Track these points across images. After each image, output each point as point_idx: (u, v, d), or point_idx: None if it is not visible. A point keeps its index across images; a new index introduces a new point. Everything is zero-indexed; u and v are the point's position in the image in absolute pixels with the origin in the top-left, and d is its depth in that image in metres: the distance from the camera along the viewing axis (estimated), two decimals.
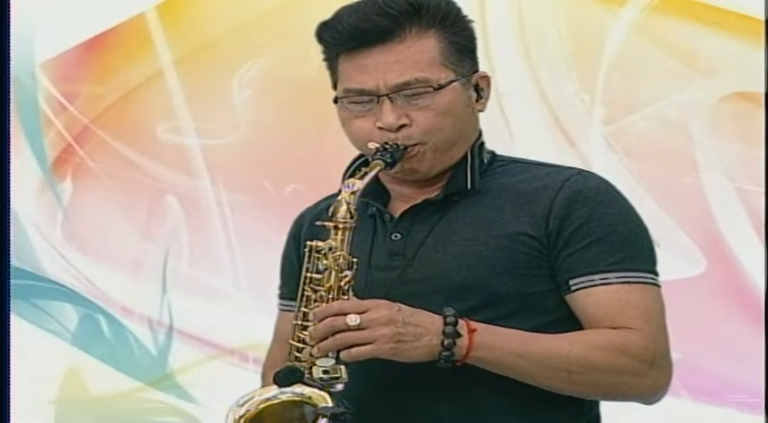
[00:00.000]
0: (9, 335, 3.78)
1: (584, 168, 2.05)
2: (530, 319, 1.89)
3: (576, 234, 1.90)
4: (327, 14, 2.01)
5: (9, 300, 3.79)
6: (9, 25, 3.76)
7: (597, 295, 1.89)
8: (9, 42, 3.76)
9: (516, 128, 3.16)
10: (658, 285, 1.94)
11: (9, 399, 3.76)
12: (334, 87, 2.01)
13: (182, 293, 3.76)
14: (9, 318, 3.79)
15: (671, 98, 3.41)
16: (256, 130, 3.70)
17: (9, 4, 3.76)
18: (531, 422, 1.92)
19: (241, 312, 3.68)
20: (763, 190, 3.33)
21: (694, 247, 3.36)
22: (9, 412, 3.75)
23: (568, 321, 1.91)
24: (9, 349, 3.78)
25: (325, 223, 1.87)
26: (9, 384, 3.77)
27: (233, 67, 3.71)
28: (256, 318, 3.59)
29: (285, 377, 1.83)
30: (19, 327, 3.81)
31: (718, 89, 3.39)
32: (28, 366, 3.79)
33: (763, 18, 3.32)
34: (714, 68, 3.40)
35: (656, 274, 1.94)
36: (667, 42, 3.41)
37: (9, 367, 3.77)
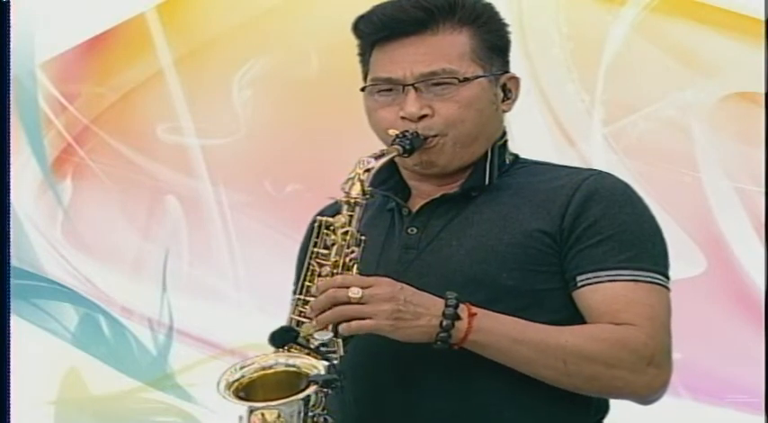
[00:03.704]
0: (9, 335, 3.79)
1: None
2: (538, 316, 1.89)
3: (587, 231, 1.91)
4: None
5: (9, 300, 3.79)
6: (9, 25, 3.76)
7: (603, 291, 1.90)
8: (9, 42, 3.77)
9: (516, 128, 3.14)
10: (667, 288, 1.94)
11: (9, 399, 3.76)
12: (365, 79, 2.03)
13: (182, 293, 3.76)
14: (9, 318, 3.79)
15: (671, 98, 3.41)
16: (256, 130, 3.70)
17: (9, 4, 3.77)
18: (536, 419, 1.93)
19: (241, 312, 3.68)
20: (763, 190, 3.33)
21: (694, 247, 3.36)
22: (9, 412, 3.75)
23: (576, 320, 1.91)
24: (9, 349, 3.78)
25: (338, 198, 1.88)
26: (9, 384, 3.77)
27: (233, 67, 3.71)
28: (256, 318, 3.60)
29: (280, 337, 1.84)
30: (19, 327, 3.81)
31: (718, 89, 3.39)
32: (28, 366, 3.79)
33: (763, 18, 3.32)
34: (714, 68, 3.40)
35: (666, 276, 1.94)
36: (667, 42, 3.41)
37: (9, 367, 3.77)
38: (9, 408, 3.75)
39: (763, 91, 3.33)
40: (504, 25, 2.04)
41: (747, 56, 3.34)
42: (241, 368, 1.82)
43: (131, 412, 3.80)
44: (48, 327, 3.84)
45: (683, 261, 3.30)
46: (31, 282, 3.84)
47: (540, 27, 3.47)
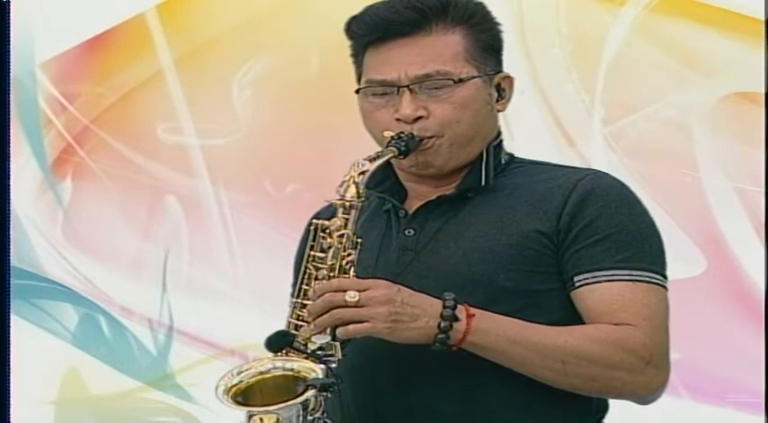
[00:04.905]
0: (9, 335, 3.79)
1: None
2: (536, 316, 1.89)
3: (584, 231, 1.91)
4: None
5: (9, 300, 3.79)
6: (9, 25, 3.76)
7: (600, 291, 1.90)
8: (9, 42, 3.77)
9: (516, 128, 3.16)
10: (665, 288, 1.94)
11: (9, 399, 3.76)
12: (359, 81, 2.03)
13: (182, 293, 3.76)
14: (9, 318, 3.79)
15: (671, 98, 3.41)
16: (256, 130, 3.70)
17: (9, 4, 3.77)
18: (536, 419, 1.93)
19: (241, 312, 3.68)
20: (763, 190, 3.33)
21: (694, 247, 3.36)
22: (9, 412, 3.75)
23: (575, 321, 1.91)
24: (9, 349, 3.78)
25: (333, 201, 1.88)
26: (9, 384, 3.77)
27: (233, 67, 3.71)
28: (256, 318, 3.59)
29: (277, 341, 1.84)
30: (19, 327, 3.81)
31: (718, 89, 3.39)
32: (28, 366, 3.79)
33: (763, 18, 3.32)
34: (714, 68, 3.40)
35: (663, 276, 1.94)
36: (667, 42, 3.41)
37: (9, 367, 3.77)
38: (9, 408, 3.75)
39: (763, 91, 3.33)
40: (497, 24, 2.03)
41: (747, 56, 3.34)
42: (239, 373, 1.82)
43: (131, 412, 3.80)
44: (48, 327, 3.84)
45: (683, 261, 3.30)
46: (31, 282, 3.84)
47: (540, 27, 3.47)
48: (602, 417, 2.00)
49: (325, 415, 1.82)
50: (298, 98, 3.65)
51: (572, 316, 1.91)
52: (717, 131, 3.39)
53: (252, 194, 3.71)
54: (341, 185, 1.88)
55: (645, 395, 1.91)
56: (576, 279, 1.91)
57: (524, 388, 1.88)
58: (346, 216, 1.87)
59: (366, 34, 1.99)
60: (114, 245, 3.81)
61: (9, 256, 3.81)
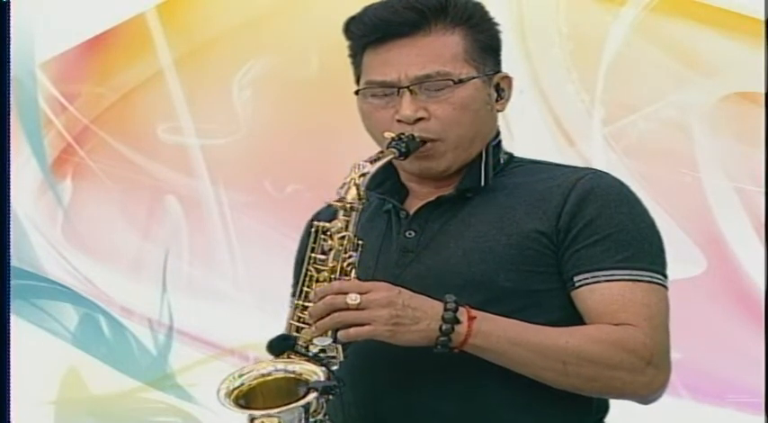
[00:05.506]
0: (9, 335, 3.79)
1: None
2: (536, 316, 1.89)
3: (584, 231, 1.91)
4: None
5: (9, 300, 3.79)
6: (9, 25, 3.77)
7: (601, 291, 1.90)
8: (9, 42, 3.77)
9: (516, 128, 3.16)
10: (665, 287, 1.93)
11: (9, 399, 3.76)
12: (357, 81, 2.03)
13: (182, 293, 3.76)
14: (9, 318, 3.79)
15: (671, 98, 3.41)
16: (256, 130, 3.71)
17: (9, 4, 3.77)
18: (536, 419, 1.93)
19: (241, 312, 3.68)
20: (763, 190, 3.34)
21: (694, 247, 3.36)
22: (9, 412, 3.75)
23: (575, 320, 1.91)
24: (9, 349, 3.78)
25: (334, 203, 1.88)
26: (9, 384, 3.77)
27: (233, 67, 3.71)
28: (256, 317, 3.60)
29: (278, 345, 1.84)
30: (19, 327, 3.81)
31: (718, 89, 3.39)
32: (28, 366, 3.79)
33: (763, 18, 3.32)
34: (714, 68, 3.40)
35: (663, 276, 1.94)
36: (667, 42, 3.41)
37: (9, 367, 3.77)
38: (9, 408, 3.76)
39: (763, 91, 3.33)
40: (495, 25, 2.03)
41: (747, 56, 3.34)
42: (240, 376, 1.82)
43: (131, 412, 3.80)
44: (48, 327, 3.84)
45: (683, 261, 3.31)
46: (31, 282, 3.85)
47: (540, 27, 3.47)
48: (603, 417, 2.00)
49: (326, 417, 1.82)
50: (298, 98, 3.65)
51: (572, 316, 1.91)
52: (717, 131, 3.39)
53: (252, 194, 3.71)
54: (341, 187, 1.88)
55: (645, 395, 1.91)
56: (575, 279, 1.91)
57: (525, 388, 1.88)
58: (347, 218, 1.87)
59: (365, 35, 1.98)
60: (114, 245, 3.81)
61: (9, 256, 3.81)
